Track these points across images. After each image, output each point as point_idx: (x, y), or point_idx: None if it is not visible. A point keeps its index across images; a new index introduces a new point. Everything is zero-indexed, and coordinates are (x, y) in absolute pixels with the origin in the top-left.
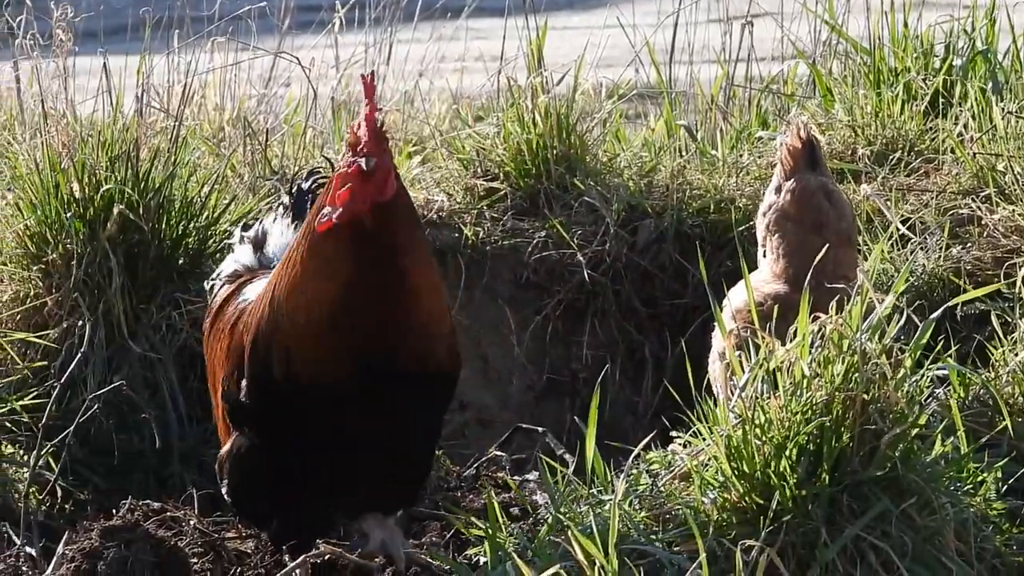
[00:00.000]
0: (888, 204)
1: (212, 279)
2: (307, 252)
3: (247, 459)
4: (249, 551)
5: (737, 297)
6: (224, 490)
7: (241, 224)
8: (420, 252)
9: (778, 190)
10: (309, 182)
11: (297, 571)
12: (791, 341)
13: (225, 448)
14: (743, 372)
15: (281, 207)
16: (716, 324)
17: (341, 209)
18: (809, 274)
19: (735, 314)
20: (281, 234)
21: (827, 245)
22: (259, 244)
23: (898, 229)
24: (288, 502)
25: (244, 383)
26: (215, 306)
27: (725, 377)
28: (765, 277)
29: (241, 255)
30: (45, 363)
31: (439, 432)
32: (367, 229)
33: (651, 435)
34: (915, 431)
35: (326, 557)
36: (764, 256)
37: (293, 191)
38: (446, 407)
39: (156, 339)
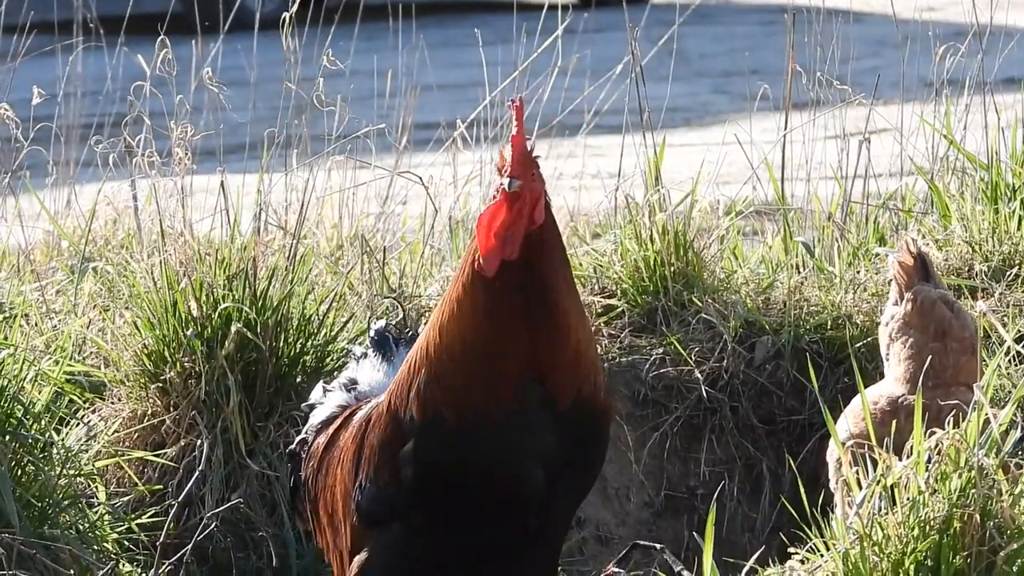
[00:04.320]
0: (1004, 321)
1: (305, 432)
2: (458, 292)
3: (383, 563)
4: None
5: (855, 402)
6: None
7: (321, 381)
8: (569, 286)
9: (897, 302)
10: (383, 323)
11: None
12: (909, 451)
13: (354, 566)
14: (858, 486)
15: (353, 359)
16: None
17: (491, 246)
18: (926, 377)
19: (849, 414)
20: (374, 369)
21: (948, 352)
22: (350, 388)
23: (1013, 346)
24: None
25: (404, 450)
26: (318, 450)
27: (841, 492)
28: (887, 382)
29: (334, 399)
30: (162, 482)
31: (567, 527)
32: (514, 261)
33: (766, 550)
34: None
35: None
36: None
37: (372, 334)
38: (596, 468)
39: (274, 457)
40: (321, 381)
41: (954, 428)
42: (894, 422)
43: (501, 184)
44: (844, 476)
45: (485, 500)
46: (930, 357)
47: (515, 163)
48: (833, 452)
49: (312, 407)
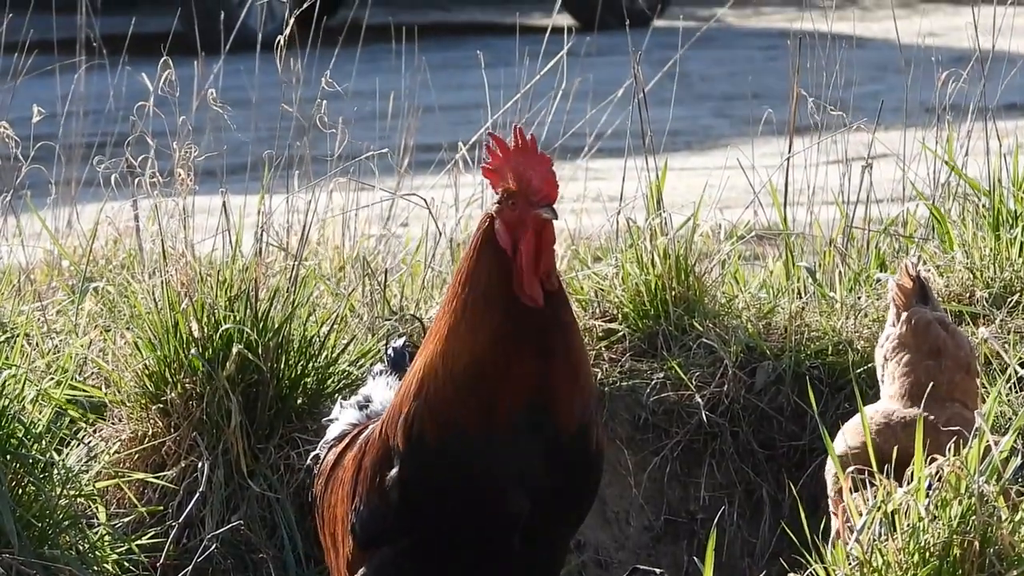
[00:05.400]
0: (1006, 347)
1: (319, 448)
2: (469, 313)
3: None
4: None
5: (853, 419)
6: None
7: (340, 396)
8: (571, 310)
9: (895, 323)
10: (401, 341)
11: None
12: (910, 476)
13: None
14: (857, 510)
15: (371, 376)
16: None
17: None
18: (920, 392)
19: (846, 430)
20: (387, 387)
21: (943, 369)
22: (364, 405)
23: (1016, 372)
24: None
25: (391, 474)
26: (327, 467)
27: (841, 515)
28: (881, 400)
29: (347, 417)
30: (162, 504)
31: (565, 554)
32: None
33: None
34: None
35: None
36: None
37: (390, 351)
38: (584, 508)
39: (274, 479)
40: (340, 397)
41: (953, 452)
42: (892, 439)
43: (541, 214)
44: (840, 490)
45: (469, 523)
46: (924, 374)
47: (551, 187)
48: (830, 469)
49: (331, 422)
